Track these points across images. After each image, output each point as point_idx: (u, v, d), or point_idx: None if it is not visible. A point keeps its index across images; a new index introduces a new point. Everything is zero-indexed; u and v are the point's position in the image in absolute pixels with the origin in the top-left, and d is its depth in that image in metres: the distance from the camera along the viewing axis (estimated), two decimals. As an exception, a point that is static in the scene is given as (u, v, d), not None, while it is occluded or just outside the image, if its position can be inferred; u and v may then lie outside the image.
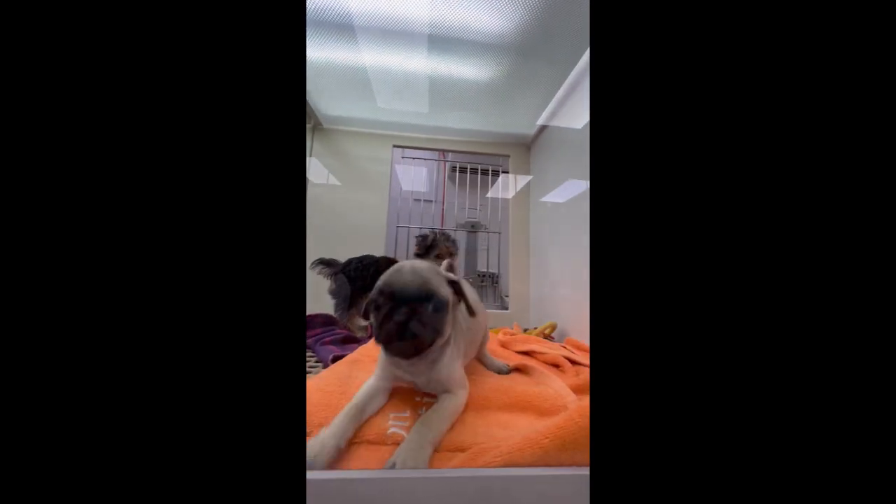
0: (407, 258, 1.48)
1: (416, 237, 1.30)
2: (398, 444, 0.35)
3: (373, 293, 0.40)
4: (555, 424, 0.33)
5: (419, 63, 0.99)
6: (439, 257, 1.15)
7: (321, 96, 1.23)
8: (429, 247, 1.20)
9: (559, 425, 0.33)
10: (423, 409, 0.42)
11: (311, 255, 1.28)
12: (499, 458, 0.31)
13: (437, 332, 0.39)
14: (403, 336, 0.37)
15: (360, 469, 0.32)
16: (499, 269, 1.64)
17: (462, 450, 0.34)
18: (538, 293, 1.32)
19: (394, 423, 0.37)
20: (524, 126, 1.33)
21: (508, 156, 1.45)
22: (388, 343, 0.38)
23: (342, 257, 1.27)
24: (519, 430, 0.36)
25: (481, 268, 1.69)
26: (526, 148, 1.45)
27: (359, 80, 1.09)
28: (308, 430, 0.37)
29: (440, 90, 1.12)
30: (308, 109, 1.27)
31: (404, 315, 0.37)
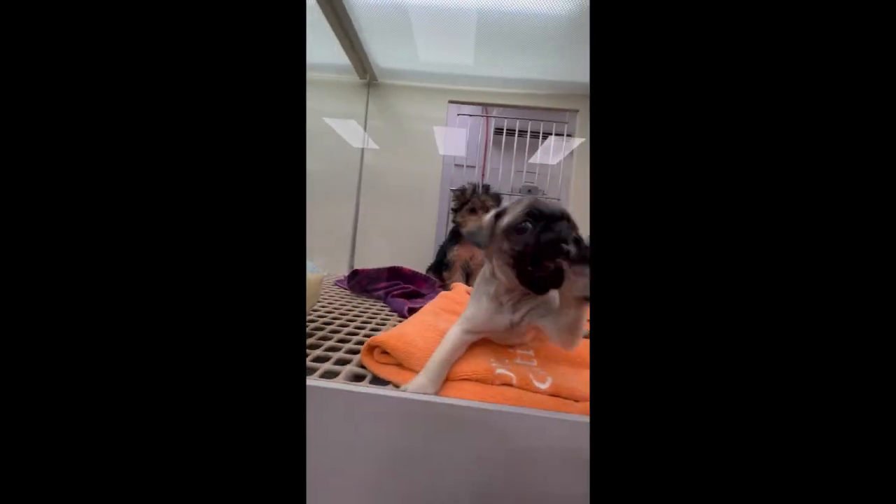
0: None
1: (452, 191, 1.26)
2: (506, 384, 0.37)
3: (517, 216, 0.38)
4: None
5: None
6: (473, 212, 1.11)
7: (376, 47, 1.17)
8: (465, 202, 1.15)
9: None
10: (518, 358, 0.44)
11: (362, 221, 1.33)
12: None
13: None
14: (558, 252, 0.33)
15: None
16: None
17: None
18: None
19: (496, 365, 0.40)
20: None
21: (577, 111, 1.33)
22: (543, 256, 0.35)
23: (393, 223, 1.34)
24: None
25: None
26: (597, 102, 1.31)
27: (407, 26, 1.00)
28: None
29: (494, 30, 0.99)
30: (364, 63, 1.23)
31: (562, 228, 0.35)
